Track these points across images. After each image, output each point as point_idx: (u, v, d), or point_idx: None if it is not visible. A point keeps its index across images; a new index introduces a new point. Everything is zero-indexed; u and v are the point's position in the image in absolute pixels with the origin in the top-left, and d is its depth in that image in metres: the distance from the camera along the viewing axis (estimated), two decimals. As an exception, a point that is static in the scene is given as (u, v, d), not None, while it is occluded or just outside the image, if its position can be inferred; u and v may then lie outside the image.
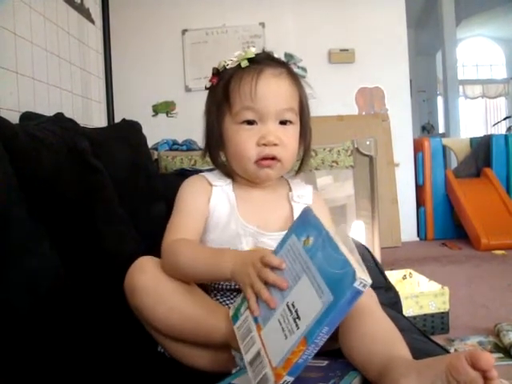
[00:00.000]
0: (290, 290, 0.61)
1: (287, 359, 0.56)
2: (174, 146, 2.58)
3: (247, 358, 0.62)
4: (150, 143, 1.95)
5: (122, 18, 3.22)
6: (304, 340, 0.55)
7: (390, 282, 1.29)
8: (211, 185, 0.88)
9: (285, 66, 0.86)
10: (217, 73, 0.87)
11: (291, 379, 0.56)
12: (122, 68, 3.19)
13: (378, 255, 2.06)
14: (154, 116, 3.52)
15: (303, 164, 0.92)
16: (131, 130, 1.60)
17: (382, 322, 0.72)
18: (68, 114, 1.34)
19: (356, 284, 0.53)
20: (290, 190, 0.91)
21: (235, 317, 0.69)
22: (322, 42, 3.54)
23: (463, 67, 7.77)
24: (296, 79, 0.87)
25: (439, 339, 1.43)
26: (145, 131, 1.68)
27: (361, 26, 3.56)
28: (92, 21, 2.36)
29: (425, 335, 0.95)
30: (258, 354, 0.60)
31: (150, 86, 3.45)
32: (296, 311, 0.58)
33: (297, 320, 0.57)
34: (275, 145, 0.82)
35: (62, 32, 1.98)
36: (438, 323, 1.78)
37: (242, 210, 0.86)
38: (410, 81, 3.79)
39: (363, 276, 0.53)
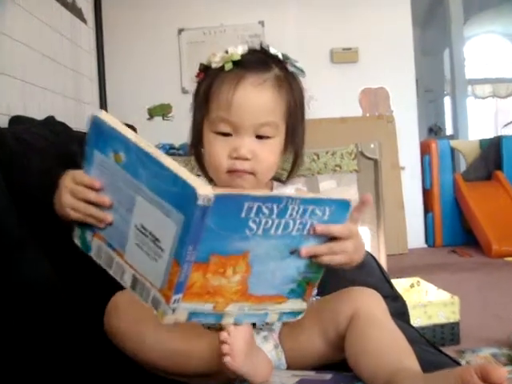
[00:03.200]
0: (129, 213, 0.62)
1: (169, 281, 0.59)
2: (170, 150, 2.59)
3: (126, 284, 0.64)
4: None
5: (115, 16, 3.24)
6: (175, 262, 0.57)
7: (396, 291, 1.29)
8: None
9: (275, 67, 0.83)
10: (203, 69, 0.86)
11: (180, 296, 0.60)
12: (115, 69, 3.20)
13: (383, 263, 2.06)
14: (149, 119, 3.52)
15: (293, 171, 0.91)
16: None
17: (391, 332, 0.72)
18: (59, 118, 1.34)
19: (200, 202, 0.54)
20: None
21: (85, 246, 0.69)
22: (324, 40, 3.55)
23: (472, 66, 7.78)
24: (285, 84, 0.84)
25: (449, 351, 1.42)
26: (140, 135, 1.68)
27: (364, 24, 3.57)
28: (84, 20, 2.37)
29: (434, 346, 0.95)
30: (135, 278, 0.63)
31: (145, 88, 3.46)
32: (151, 234, 0.59)
33: (157, 242, 0.59)
34: (247, 159, 0.80)
35: (53, 32, 1.98)
36: (447, 334, 1.77)
37: None
38: (416, 81, 3.80)
39: (204, 191, 0.54)
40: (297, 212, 0.61)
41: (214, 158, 0.82)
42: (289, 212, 0.61)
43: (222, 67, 0.82)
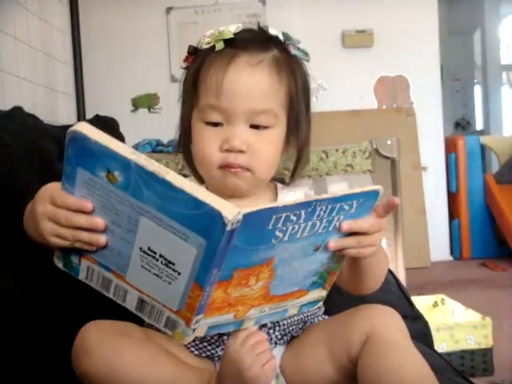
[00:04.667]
0: (131, 234, 0.61)
1: (188, 304, 0.61)
2: (157, 147, 2.60)
3: (129, 306, 0.66)
4: (130, 144, 1.93)
5: (94, -7, 3.24)
6: (197, 285, 0.59)
7: (417, 311, 1.29)
8: None
9: (275, 49, 0.84)
10: (193, 52, 0.87)
11: (201, 316, 0.63)
12: (93, 53, 3.20)
13: (402, 278, 2.06)
14: (133, 111, 3.52)
15: (296, 171, 0.91)
16: (106, 128, 1.60)
17: (412, 358, 0.72)
18: (28, 109, 1.34)
19: (229, 227, 0.55)
20: (276, 198, 0.91)
21: (71, 269, 0.69)
22: (334, 21, 3.56)
23: (508, 49, 7.77)
24: (285, 67, 0.84)
25: (481, 383, 1.42)
26: (123, 129, 1.68)
27: (381, 2, 3.58)
28: (58, -4, 2.37)
29: (464, 377, 0.95)
30: (142, 300, 0.65)
31: (128, 76, 3.47)
32: (162, 256, 0.60)
33: (171, 265, 0.60)
34: (242, 152, 0.80)
35: (18, 7, 1.98)
36: (479, 362, 1.76)
37: None
38: (441, 67, 3.80)
39: (232, 214, 0.54)
40: (324, 211, 0.64)
41: (203, 152, 0.82)
42: (316, 213, 0.63)
43: (213, 47, 0.82)
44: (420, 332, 1.21)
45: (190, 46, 0.87)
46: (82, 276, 0.68)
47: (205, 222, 0.55)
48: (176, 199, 0.56)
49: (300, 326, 0.86)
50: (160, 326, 0.64)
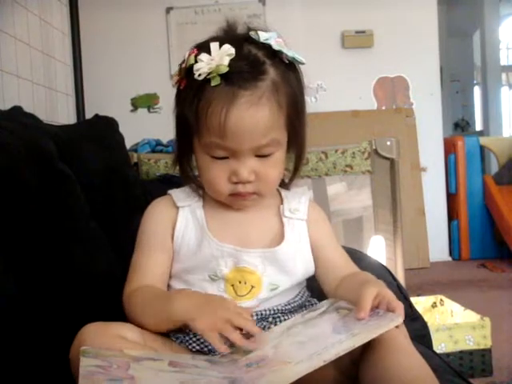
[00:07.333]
0: None
1: None
2: (157, 147, 2.60)
3: None
4: (129, 144, 1.94)
5: (94, -7, 3.25)
6: None
7: (416, 311, 1.29)
8: (177, 207, 0.90)
9: (270, 67, 0.82)
10: (185, 75, 0.83)
11: None
12: (93, 53, 3.21)
13: (401, 278, 2.06)
14: (133, 111, 3.53)
15: (296, 173, 0.93)
16: (105, 127, 1.61)
17: (414, 360, 0.72)
18: (28, 108, 1.34)
19: None
20: (282, 202, 0.92)
21: None
22: (334, 22, 3.56)
23: (507, 50, 7.77)
24: (283, 85, 0.83)
25: (480, 383, 1.42)
26: (122, 129, 1.68)
27: (381, 3, 3.58)
28: (57, -4, 2.37)
29: (463, 377, 0.95)
30: None
31: (128, 76, 3.47)
32: None
33: None
34: (250, 182, 0.83)
35: (18, 7, 1.98)
36: (477, 363, 1.76)
37: (214, 228, 0.87)
38: (441, 68, 3.81)
39: None
40: None
41: (213, 183, 0.85)
42: None
43: (207, 81, 0.79)
44: (419, 332, 1.21)
45: (180, 70, 0.84)
46: None
47: None
48: None
49: None
50: None
